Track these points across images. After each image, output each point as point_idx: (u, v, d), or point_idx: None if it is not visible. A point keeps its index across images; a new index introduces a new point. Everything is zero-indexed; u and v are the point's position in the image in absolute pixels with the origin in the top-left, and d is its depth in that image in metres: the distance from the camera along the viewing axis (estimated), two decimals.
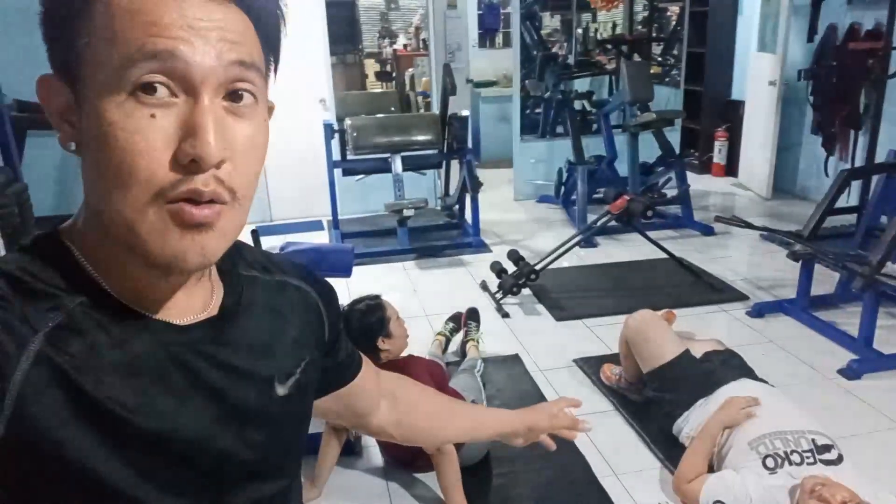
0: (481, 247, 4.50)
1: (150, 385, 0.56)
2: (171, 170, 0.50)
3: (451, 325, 3.15)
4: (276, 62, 0.59)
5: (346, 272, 2.57)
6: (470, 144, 4.66)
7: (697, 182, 6.17)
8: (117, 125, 0.49)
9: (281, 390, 0.66)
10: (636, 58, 6.26)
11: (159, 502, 0.56)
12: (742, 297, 3.62)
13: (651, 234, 4.53)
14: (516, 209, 5.54)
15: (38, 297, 0.53)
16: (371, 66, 7.54)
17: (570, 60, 6.85)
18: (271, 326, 0.68)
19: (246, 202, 0.56)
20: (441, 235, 4.79)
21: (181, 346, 0.58)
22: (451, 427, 1.03)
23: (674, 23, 6.36)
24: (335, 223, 4.77)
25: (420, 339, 3.06)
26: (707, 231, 4.64)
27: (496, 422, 1.07)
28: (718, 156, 6.18)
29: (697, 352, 2.60)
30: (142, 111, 0.49)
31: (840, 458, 2.01)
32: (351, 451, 2.40)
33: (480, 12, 7.58)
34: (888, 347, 2.97)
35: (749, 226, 3.34)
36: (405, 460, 2.33)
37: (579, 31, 7.07)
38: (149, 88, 0.49)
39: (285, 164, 5.28)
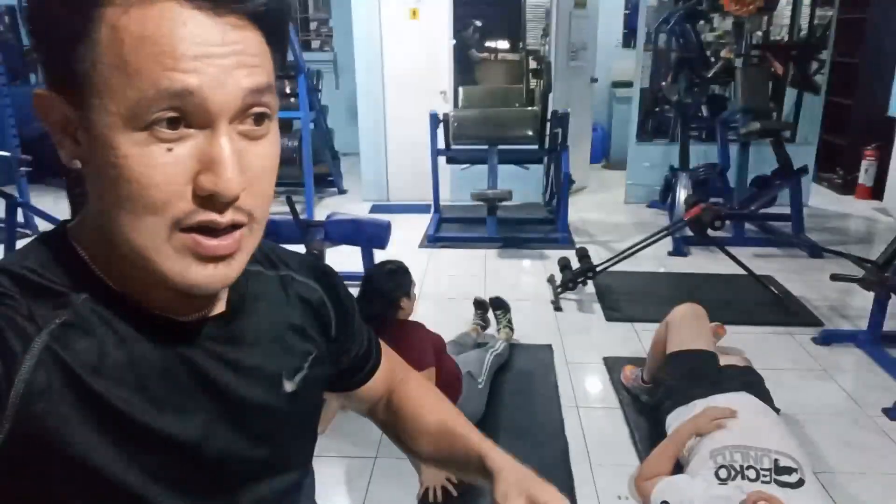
0: (566, 243, 4.57)
1: (157, 384, 0.55)
2: (189, 201, 0.50)
3: (478, 312, 3.24)
4: (284, 59, 0.57)
5: (381, 244, 2.85)
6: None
7: (836, 203, 5.72)
8: (133, 158, 0.48)
9: (289, 386, 0.66)
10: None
11: (167, 501, 0.56)
12: (817, 322, 3.40)
13: (753, 249, 4.36)
14: (622, 212, 5.50)
15: (44, 295, 0.52)
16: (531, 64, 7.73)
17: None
18: (278, 322, 0.67)
19: (263, 221, 0.55)
20: (532, 229, 4.91)
21: (188, 345, 0.58)
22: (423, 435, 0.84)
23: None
24: (436, 206, 5.08)
25: (468, 321, 3.26)
26: (815, 253, 4.32)
27: (469, 453, 0.76)
28: (864, 176, 5.65)
29: (722, 363, 2.58)
30: (158, 145, 0.48)
31: (800, 483, 1.94)
32: None
33: (627, 12, 7.49)
34: None
35: (816, 247, 3.14)
36: None
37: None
38: (165, 123, 0.48)
39: (404, 150, 5.69)
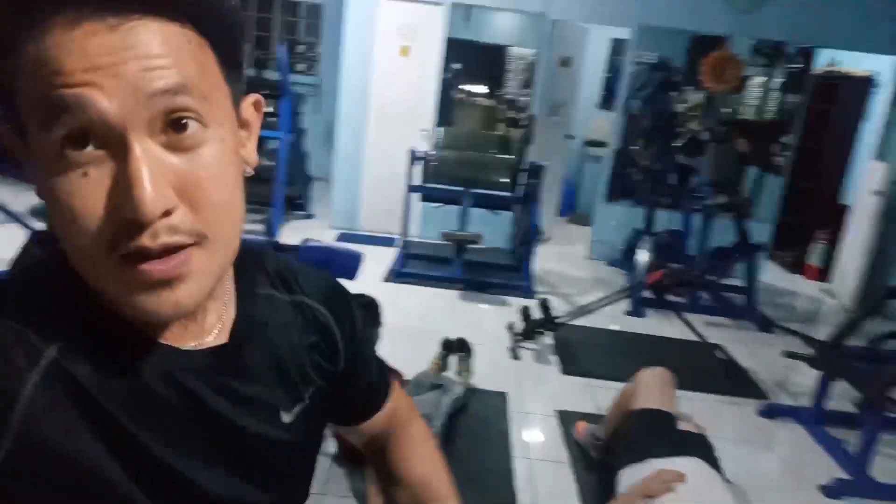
0: (528, 292, 4.64)
1: (155, 411, 0.54)
2: (116, 228, 0.46)
3: (444, 353, 3.30)
4: (239, 62, 0.53)
5: (351, 276, 2.85)
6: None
7: (786, 281, 5.94)
8: (56, 187, 0.46)
9: (287, 417, 0.64)
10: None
11: None
12: (762, 395, 3.51)
13: (705, 317, 4.49)
14: (584, 267, 5.61)
15: (47, 316, 0.51)
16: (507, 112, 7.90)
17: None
18: (281, 350, 0.65)
19: (223, 236, 0.51)
20: (497, 274, 4.96)
21: (187, 373, 0.56)
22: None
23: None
24: (404, 241, 5.11)
25: (427, 359, 3.28)
26: (764, 327, 4.48)
27: None
28: (814, 258, 5.90)
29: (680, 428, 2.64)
30: (74, 171, 0.46)
31: None
32: None
33: (609, 75, 7.75)
34: (888, 476, 2.80)
35: (770, 324, 3.26)
36: (356, 453, 2.55)
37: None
38: (74, 144, 0.45)
39: (381, 181, 5.73)
